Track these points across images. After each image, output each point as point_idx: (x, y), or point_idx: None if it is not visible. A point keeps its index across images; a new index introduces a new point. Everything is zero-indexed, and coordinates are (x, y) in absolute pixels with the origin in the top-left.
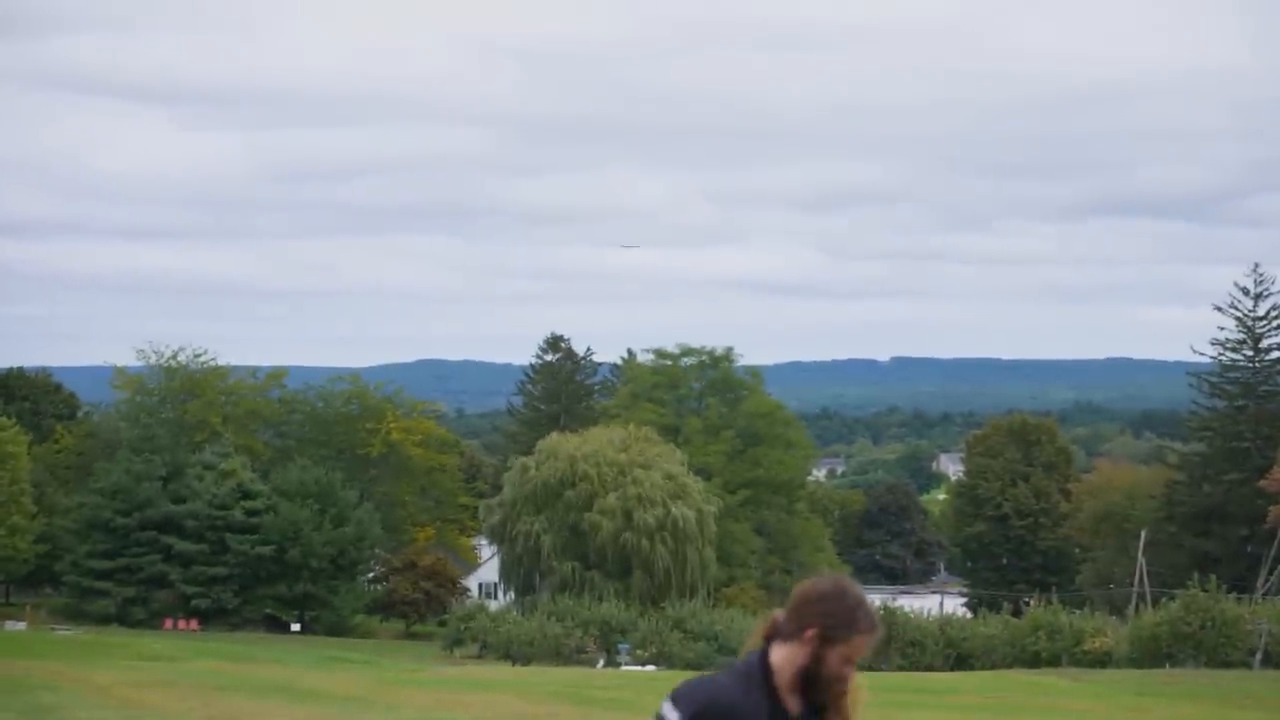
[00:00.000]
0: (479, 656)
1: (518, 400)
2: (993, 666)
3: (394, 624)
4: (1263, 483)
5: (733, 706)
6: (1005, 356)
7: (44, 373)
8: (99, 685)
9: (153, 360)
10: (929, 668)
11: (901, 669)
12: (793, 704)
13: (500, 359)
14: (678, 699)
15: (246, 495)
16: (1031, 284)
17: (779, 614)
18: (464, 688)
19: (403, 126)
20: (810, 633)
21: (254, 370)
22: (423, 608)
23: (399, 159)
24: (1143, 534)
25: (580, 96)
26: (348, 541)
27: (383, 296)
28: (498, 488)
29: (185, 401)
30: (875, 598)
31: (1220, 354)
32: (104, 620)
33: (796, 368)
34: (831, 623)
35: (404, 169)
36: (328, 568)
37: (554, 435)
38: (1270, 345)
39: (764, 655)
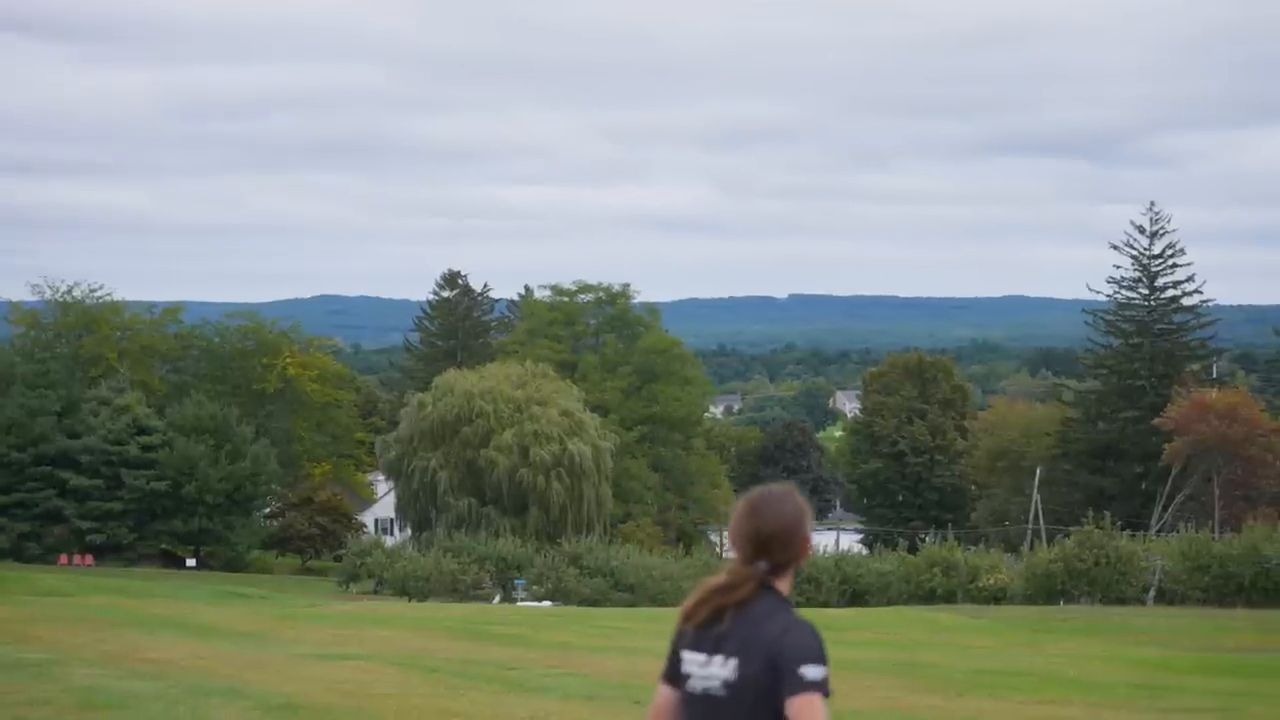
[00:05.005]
0: (375, 592)
1: (415, 336)
2: (888, 603)
3: (290, 559)
4: (1157, 420)
5: None
6: (902, 294)
7: None
8: None
9: (48, 295)
10: (824, 604)
11: (798, 605)
12: None
13: (397, 295)
14: (816, 656)
15: (142, 431)
16: (930, 222)
17: (760, 566)
18: (361, 623)
19: (304, 63)
20: (809, 541)
21: (150, 306)
22: (318, 543)
23: (300, 96)
24: (1038, 471)
25: (481, 33)
26: (244, 477)
27: (281, 233)
28: (394, 424)
29: (81, 337)
30: None
31: (1116, 292)
32: None
33: (694, 304)
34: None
35: (305, 106)
36: (223, 503)
37: (451, 371)
38: (1165, 284)
39: (779, 592)
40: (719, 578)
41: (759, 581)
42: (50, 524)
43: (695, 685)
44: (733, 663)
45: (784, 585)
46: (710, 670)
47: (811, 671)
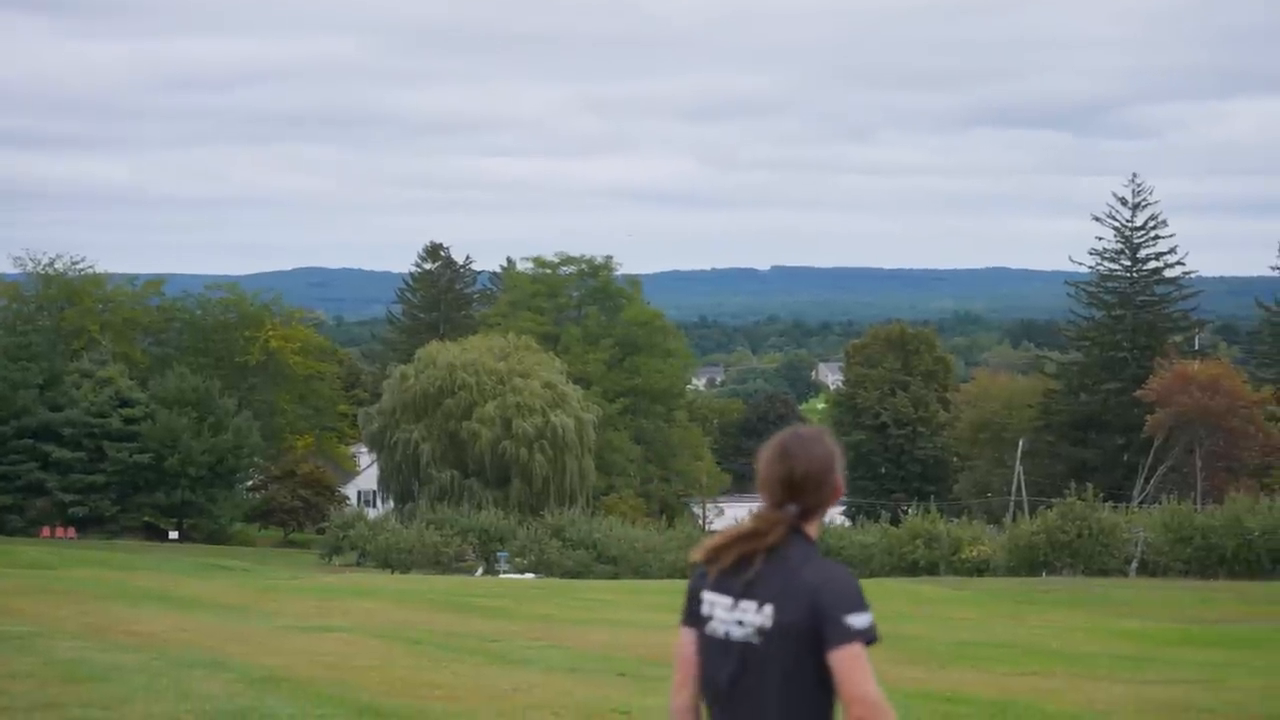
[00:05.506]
0: (357, 564)
1: (397, 308)
2: (871, 575)
3: (272, 532)
4: (1139, 392)
5: None
6: (885, 266)
7: None
8: None
9: (29, 267)
10: None
11: None
12: None
13: (380, 267)
14: (860, 603)
15: (124, 403)
16: (912, 194)
17: (790, 511)
18: (343, 595)
19: (287, 35)
20: (841, 485)
21: (132, 278)
22: (301, 516)
23: (284, 68)
24: (1020, 443)
25: (465, 4)
26: (226, 449)
27: (263, 205)
28: (377, 396)
29: (63, 309)
30: (754, 507)
31: (1098, 264)
32: None
33: (676, 276)
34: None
35: (288, 78)
36: (206, 475)
37: (433, 343)
38: (1148, 255)
39: (809, 537)
40: (745, 524)
41: (789, 526)
42: (32, 497)
43: (718, 628)
44: (768, 609)
45: (812, 530)
46: (738, 615)
47: (858, 620)
